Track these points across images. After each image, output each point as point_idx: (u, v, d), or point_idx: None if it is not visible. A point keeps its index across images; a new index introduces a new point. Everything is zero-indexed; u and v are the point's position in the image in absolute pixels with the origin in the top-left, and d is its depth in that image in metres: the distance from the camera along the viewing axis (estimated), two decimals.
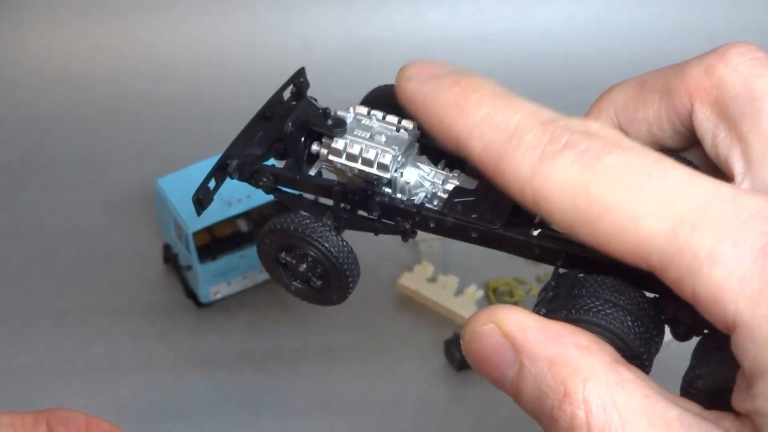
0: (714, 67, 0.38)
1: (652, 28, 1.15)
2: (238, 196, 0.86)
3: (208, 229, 0.87)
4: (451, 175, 0.41)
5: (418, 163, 0.42)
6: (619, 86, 0.42)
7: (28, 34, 1.12)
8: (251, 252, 0.88)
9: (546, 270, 0.90)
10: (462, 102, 0.36)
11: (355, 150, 0.41)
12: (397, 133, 0.41)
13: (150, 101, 1.09)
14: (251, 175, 0.43)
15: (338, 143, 0.41)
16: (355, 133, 0.41)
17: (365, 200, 0.41)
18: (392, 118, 0.42)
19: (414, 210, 0.40)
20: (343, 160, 0.41)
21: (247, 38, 1.13)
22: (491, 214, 0.39)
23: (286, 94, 0.46)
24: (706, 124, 0.38)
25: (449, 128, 0.36)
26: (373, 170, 0.41)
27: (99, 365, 0.87)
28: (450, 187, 0.41)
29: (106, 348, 0.88)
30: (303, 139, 0.43)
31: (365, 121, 0.42)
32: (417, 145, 0.42)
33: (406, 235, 0.41)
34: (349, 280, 0.41)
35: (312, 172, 0.43)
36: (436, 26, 1.14)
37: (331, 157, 0.41)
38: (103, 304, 0.92)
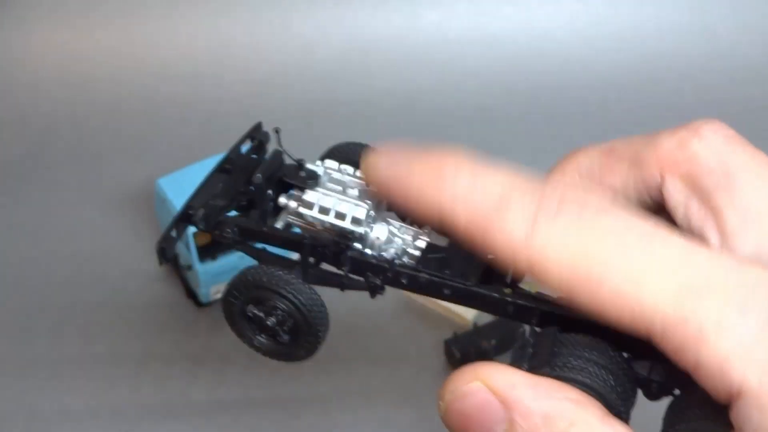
0: (687, 142, 0.38)
1: (652, 28, 1.15)
2: None
3: None
4: (420, 232, 0.41)
5: (388, 219, 0.41)
6: (585, 151, 0.41)
7: (29, 34, 1.12)
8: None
9: None
10: (438, 176, 0.35)
11: (327, 203, 0.40)
12: (367, 188, 0.41)
13: (150, 101, 1.09)
14: (216, 226, 0.43)
15: (310, 195, 0.41)
16: (327, 186, 0.41)
17: (336, 254, 0.40)
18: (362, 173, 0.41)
19: (387, 265, 0.40)
20: (314, 213, 0.41)
21: (248, 38, 1.13)
22: (464, 271, 0.39)
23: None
24: (677, 196, 0.38)
25: (429, 204, 0.35)
26: (346, 224, 0.40)
27: (99, 364, 0.87)
28: (421, 244, 0.41)
29: (105, 347, 0.88)
30: (270, 191, 0.42)
31: (336, 175, 0.41)
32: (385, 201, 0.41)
33: (375, 291, 0.40)
34: (319, 334, 0.41)
35: (278, 225, 0.42)
36: (436, 26, 1.14)
37: (301, 210, 0.41)
38: (103, 303, 0.92)
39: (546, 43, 1.14)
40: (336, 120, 1.08)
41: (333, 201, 0.41)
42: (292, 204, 0.42)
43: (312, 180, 0.41)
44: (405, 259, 0.41)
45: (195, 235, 0.86)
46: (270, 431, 0.84)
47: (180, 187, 0.87)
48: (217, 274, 0.88)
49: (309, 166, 0.42)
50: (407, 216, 0.42)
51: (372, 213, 0.41)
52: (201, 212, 0.42)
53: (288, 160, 0.44)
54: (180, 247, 0.89)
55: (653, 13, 1.16)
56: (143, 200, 0.98)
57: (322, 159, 0.43)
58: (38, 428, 0.83)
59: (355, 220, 0.40)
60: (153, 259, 1.03)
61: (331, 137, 1.12)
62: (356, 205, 0.40)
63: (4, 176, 1.03)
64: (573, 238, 0.33)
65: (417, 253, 0.41)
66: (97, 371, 0.87)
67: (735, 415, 0.31)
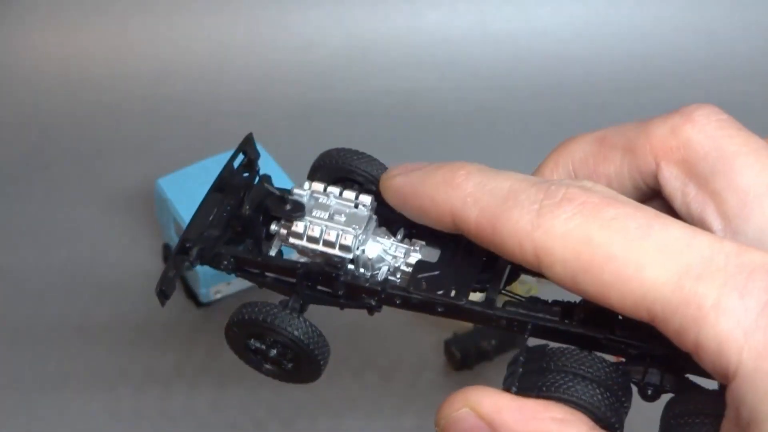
0: (680, 128, 0.38)
1: (652, 28, 1.15)
2: None
3: None
4: (412, 248, 0.42)
5: (378, 238, 0.42)
6: (577, 140, 0.42)
7: (29, 34, 1.12)
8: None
9: None
10: (451, 178, 0.38)
11: (315, 232, 0.41)
12: (355, 210, 0.42)
13: (150, 101, 1.09)
14: (212, 259, 0.44)
15: (298, 226, 0.42)
16: (314, 213, 0.42)
17: (329, 281, 0.41)
18: (349, 194, 0.42)
19: (379, 288, 0.41)
20: (304, 243, 0.42)
21: (247, 38, 1.13)
22: (456, 288, 0.40)
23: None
24: (674, 182, 0.39)
25: (442, 204, 0.38)
26: (336, 251, 0.41)
27: (98, 364, 0.87)
28: (412, 260, 0.41)
29: (104, 347, 0.88)
30: (261, 218, 0.43)
31: (322, 200, 0.42)
32: (375, 217, 0.43)
33: (372, 310, 0.41)
34: (320, 361, 0.44)
35: (272, 251, 0.43)
36: (436, 26, 1.14)
37: (291, 240, 0.42)
38: (102, 303, 0.92)
39: (546, 43, 1.14)
40: (336, 119, 1.08)
41: (320, 230, 0.41)
42: (283, 232, 0.42)
43: (297, 212, 0.42)
44: (398, 276, 0.42)
45: None
46: (269, 430, 0.84)
47: (180, 187, 0.87)
48: (217, 274, 0.88)
49: (296, 191, 0.42)
50: (419, 225, 0.42)
51: (361, 236, 0.41)
52: (196, 251, 0.43)
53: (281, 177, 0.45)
54: None
55: (653, 13, 1.16)
56: (143, 200, 0.98)
57: (310, 176, 0.44)
58: (37, 427, 0.83)
59: (344, 248, 0.41)
60: (153, 259, 1.04)
61: (331, 137, 1.12)
62: (344, 231, 0.41)
63: (4, 176, 1.03)
64: (576, 226, 0.34)
65: (408, 269, 0.41)
66: (97, 371, 0.87)
67: (730, 396, 0.32)
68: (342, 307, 0.42)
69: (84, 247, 0.96)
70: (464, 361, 0.86)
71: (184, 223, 0.85)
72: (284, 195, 0.42)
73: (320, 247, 0.41)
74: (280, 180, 0.86)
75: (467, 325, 0.88)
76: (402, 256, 0.42)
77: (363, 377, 0.86)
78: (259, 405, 0.85)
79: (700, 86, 1.11)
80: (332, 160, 0.44)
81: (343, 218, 0.42)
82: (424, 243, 0.42)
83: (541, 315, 0.39)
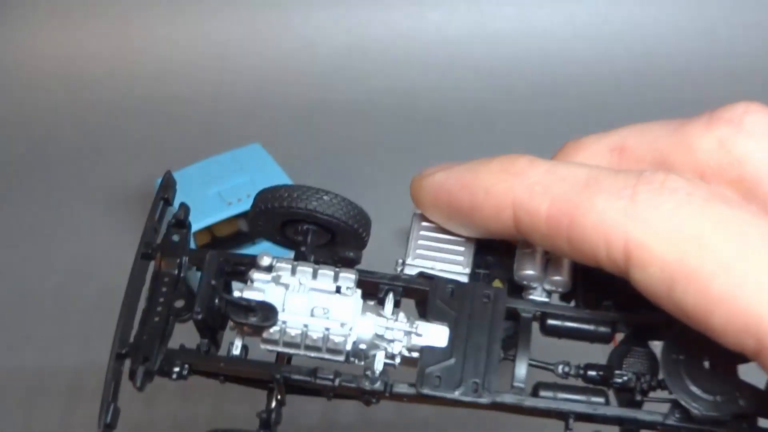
0: (731, 141, 0.32)
1: (652, 28, 1.15)
2: (238, 196, 0.86)
3: (208, 229, 0.87)
4: (414, 325, 0.36)
5: (369, 313, 0.35)
6: (586, 145, 0.36)
7: (29, 34, 1.12)
8: (252, 251, 0.88)
9: None
10: (510, 166, 0.32)
11: (294, 337, 0.34)
12: (337, 296, 0.34)
13: (150, 101, 1.09)
14: (161, 371, 0.37)
15: (272, 332, 0.34)
16: (287, 307, 0.34)
17: (316, 390, 0.35)
18: (327, 271, 0.34)
19: (383, 391, 0.35)
20: (281, 348, 0.34)
21: (248, 38, 1.13)
22: (477, 377, 0.34)
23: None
24: None
25: (502, 195, 0.31)
26: (323, 355, 0.34)
27: (98, 364, 0.87)
28: (418, 343, 0.35)
29: (104, 346, 0.88)
30: (215, 319, 0.36)
31: (293, 287, 0.34)
32: (359, 291, 0.35)
33: (370, 403, 0.36)
34: None
35: (236, 346, 0.36)
36: (436, 26, 1.14)
37: (264, 346, 0.35)
38: (102, 303, 0.91)
39: (546, 43, 1.14)
40: (336, 119, 1.08)
41: (300, 333, 0.33)
42: (248, 330, 0.34)
43: (269, 321, 0.33)
44: (397, 361, 0.36)
45: (195, 235, 0.86)
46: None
47: (180, 187, 0.87)
48: None
49: (255, 276, 0.34)
50: (412, 291, 0.36)
51: (351, 329, 0.34)
52: (141, 372, 0.35)
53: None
54: None
55: (653, 13, 1.16)
56: (143, 200, 0.98)
57: (252, 226, 0.38)
58: (38, 427, 0.83)
59: (333, 351, 0.34)
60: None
61: (331, 137, 1.12)
62: (329, 330, 0.33)
63: (4, 176, 1.03)
64: (684, 222, 0.28)
65: (411, 355, 0.36)
66: (96, 370, 0.87)
67: None
68: (330, 398, 0.37)
69: (83, 246, 0.96)
70: None
71: None
72: (245, 302, 0.33)
73: (302, 352, 0.34)
74: (281, 180, 0.86)
75: None
76: (401, 339, 0.36)
77: None
78: (260, 404, 0.84)
79: (700, 86, 1.11)
80: (275, 202, 0.37)
81: (325, 311, 0.34)
82: (421, 323, 0.36)
83: (582, 399, 0.34)
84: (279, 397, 0.37)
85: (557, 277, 0.36)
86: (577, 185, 0.29)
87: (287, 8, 1.14)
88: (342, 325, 0.34)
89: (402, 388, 0.35)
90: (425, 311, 0.36)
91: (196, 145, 1.01)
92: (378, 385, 0.35)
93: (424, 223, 0.39)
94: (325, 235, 0.37)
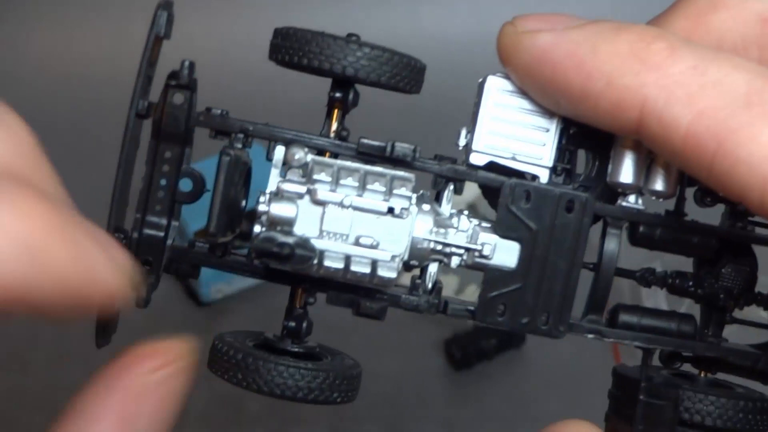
0: None
1: None
2: None
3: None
4: (476, 238, 0.29)
5: (425, 208, 0.30)
6: (733, 5, 0.29)
7: (29, 34, 1.12)
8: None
9: None
10: (643, 52, 0.25)
11: (334, 271, 0.29)
12: (388, 217, 0.28)
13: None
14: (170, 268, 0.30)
15: (311, 263, 0.28)
16: (326, 230, 0.28)
17: (346, 287, 0.29)
18: (377, 185, 0.28)
19: (437, 303, 0.29)
20: (322, 273, 0.29)
21: (247, 38, 1.13)
22: (547, 310, 0.28)
23: None
24: None
25: (629, 92, 0.24)
26: (370, 281, 0.29)
27: (97, 363, 0.87)
28: (481, 261, 0.29)
29: (105, 347, 0.88)
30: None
31: (331, 206, 0.28)
32: (416, 206, 0.29)
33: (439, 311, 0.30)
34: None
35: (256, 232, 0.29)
36: (436, 26, 1.14)
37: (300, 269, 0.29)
38: None
39: None
40: None
41: (343, 262, 0.28)
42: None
43: (306, 262, 0.28)
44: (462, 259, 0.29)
45: (195, 234, 0.86)
46: (269, 428, 0.84)
47: None
48: (217, 274, 0.88)
49: (285, 188, 0.29)
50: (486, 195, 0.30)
51: (403, 256, 0.28)
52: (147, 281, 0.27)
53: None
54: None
55: (653, 13, 1.16)
56: None
57: (273, 56, 0.29)
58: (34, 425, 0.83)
59: (383, 281, 0.28)
60: None
61: None
62: (377, 255, 0.28)
63: None
64: None
65: (474, 261, 0.29)
66: (96, 370, 0.87)
67: None
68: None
69: None
70: (464, 361, 0.86)
71: (185, 223, 0.85)
72: (278, 248, 0.29)
73: (347, 276, 0.29)
74: None
75: (467, 324, 0.88)
76: (461, 253, 0.29)
77: (363, 376, 0.86)
78: (259, 404, 0.85)
79: None
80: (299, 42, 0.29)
81: (372, 240, 0.28)
82: (489, 226, 0.29)
83: (670, 328, 0.30)
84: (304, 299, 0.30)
85: (660, 188, 0.31)
86: (736, 100, 0.22)
87: (287, 8, 1.14)
88: (393, 257, 0.28)
89: (458, 310, 0.29)
90: (494, 218, 0.29)
91: (196, 145, 1.01)
92: (430, 304, 0.29)
93: (500, 95, 0.32)
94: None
